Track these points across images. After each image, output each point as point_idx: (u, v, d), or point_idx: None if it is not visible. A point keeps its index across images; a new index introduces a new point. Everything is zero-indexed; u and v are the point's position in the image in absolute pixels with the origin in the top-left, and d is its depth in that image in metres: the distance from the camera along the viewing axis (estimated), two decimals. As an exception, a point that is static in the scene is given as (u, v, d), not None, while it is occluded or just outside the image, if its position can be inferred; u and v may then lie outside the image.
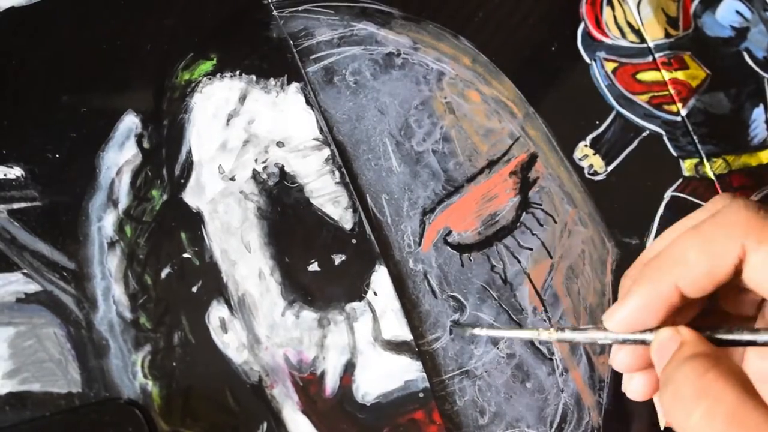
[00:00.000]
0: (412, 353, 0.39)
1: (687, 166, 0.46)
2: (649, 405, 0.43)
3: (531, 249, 0.43)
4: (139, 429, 0.37)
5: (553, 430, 0.41)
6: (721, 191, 0.46)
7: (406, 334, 0.40)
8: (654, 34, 0.48)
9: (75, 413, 0.37)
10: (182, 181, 0.40)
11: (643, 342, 0.30)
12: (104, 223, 0.39)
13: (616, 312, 0.30)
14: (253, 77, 0.42)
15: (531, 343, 0.42)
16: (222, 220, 0.40)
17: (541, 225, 0.43)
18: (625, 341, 0.31)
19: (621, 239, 0.44)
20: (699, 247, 0.28)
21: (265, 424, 0.38)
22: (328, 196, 0.41)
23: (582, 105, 0.47)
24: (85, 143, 0.40)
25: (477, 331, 0.39)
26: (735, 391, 0.25)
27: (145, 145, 0.40)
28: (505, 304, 0.42)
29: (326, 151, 0.41)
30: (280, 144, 0.41)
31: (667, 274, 0.29)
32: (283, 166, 0.41)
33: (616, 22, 0.48)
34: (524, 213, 0.43)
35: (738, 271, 0.28)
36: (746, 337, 0.28)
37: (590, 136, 0.46)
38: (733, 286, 0.29)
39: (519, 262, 0.42)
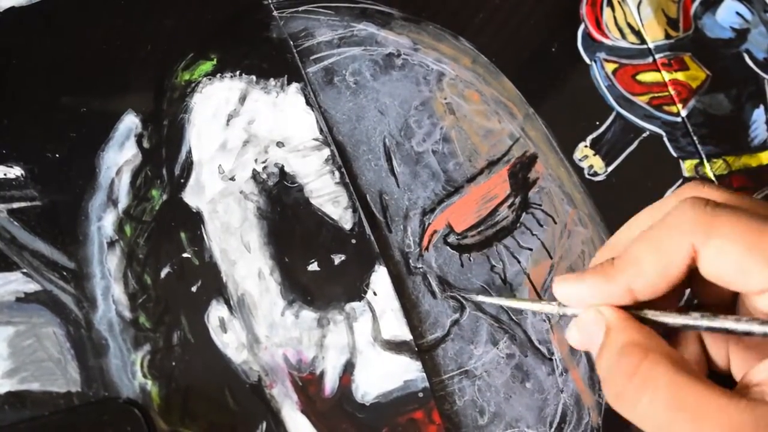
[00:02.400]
0: (412, 353, 0.39)
1: (687, 166, 0.46)
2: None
3: (531, 249, 0.43)
4: (138, 428, 0.36)
5: (552, 430, 0.41)
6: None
7: (405, 334, 0.39)
8: (654, 35, 0.48)
9: (74, 413, 0.37)
10: (182, 181, 0.40)
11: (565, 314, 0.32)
12: (104, 222, 0.39)
13: (569, 284, 0.31)
14: (253, 77, 0.42)
15: (531, 344, 0.42)
16: (222, 220, 0.40)
17: (541, 225, 0.43)
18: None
19: (621, 240, 0.44)
20: (651, 251, 0.29)
21: (264, 424, 0.38)
22: (327, 196, 0.41)
23: (582, 106, 0.47)
24: (84, 143, 0.40)
25: (481, 298, 0.41)
26: (671, 375, 0.26)
27: (145, 144, 0.40)
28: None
29: (326, 152, 0.41)
30: (280, 144, 0.41)
31: (621, 273, 0.30)
32: (282, 166, 0.41)
33: (616, 23, 0.48)
34: (524, 213, 0.43)
35: (696, 268, 0.29)
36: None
37: (590, 137, 0.46)
38: (704, 279, 0.30)
39: (519, 262, 0.42)
